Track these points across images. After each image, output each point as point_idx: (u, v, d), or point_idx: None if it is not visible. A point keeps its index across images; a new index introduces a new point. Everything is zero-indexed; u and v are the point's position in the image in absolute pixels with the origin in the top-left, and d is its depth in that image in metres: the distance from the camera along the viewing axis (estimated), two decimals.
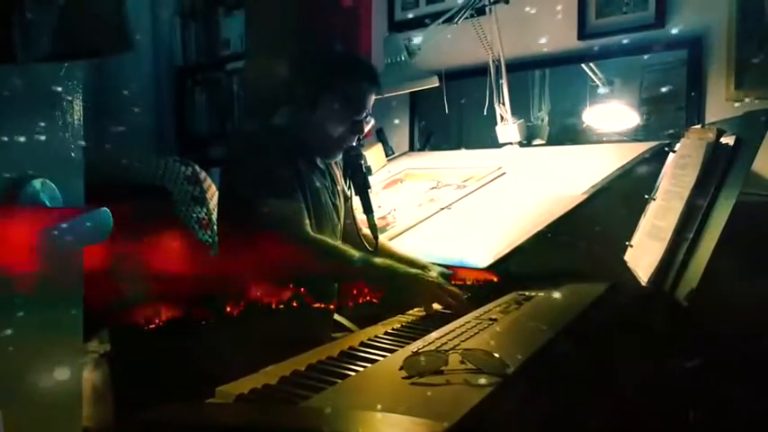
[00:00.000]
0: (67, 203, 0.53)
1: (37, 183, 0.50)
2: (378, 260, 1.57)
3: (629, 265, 1.55)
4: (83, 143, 0.56)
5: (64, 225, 0.48)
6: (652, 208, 1.57)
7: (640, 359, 1.50)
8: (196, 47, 3.74)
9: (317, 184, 1.70)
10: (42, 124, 0.53)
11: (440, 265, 1.74)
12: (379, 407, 0.81)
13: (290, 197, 1.55)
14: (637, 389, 1.50)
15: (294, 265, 1.49)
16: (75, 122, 0.55)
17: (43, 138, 0.53)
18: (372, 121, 1.75)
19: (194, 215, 1.77)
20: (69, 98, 0.54)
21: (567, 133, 2.67)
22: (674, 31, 2.25)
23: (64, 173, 0.54)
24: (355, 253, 1.55)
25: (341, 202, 1.82)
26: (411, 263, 1.72)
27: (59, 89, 0.53)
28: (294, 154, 1.65)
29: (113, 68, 3.57)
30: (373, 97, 1.72)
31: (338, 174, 1.87)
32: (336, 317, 1.81)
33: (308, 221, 1.57)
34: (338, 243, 1.57)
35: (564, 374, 1.17)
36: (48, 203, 0.51)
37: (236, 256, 1.62)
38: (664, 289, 1.29)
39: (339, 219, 1.79)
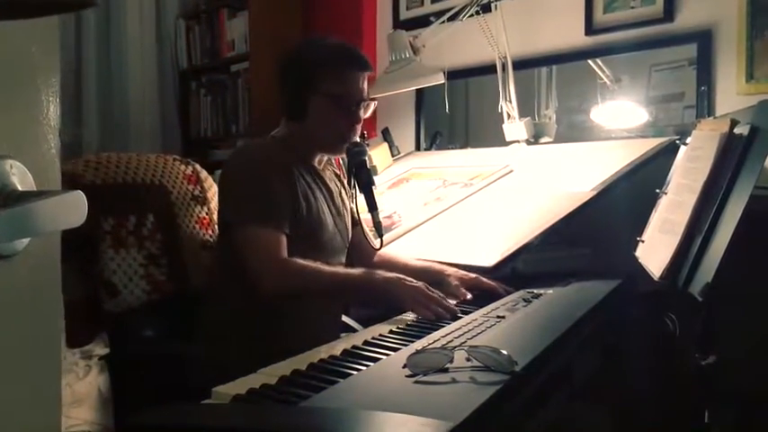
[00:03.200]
0: (41, 188, 0.50)
1: (6, 164, 0.47)
2: (353, 270, 1.54)
3: (640, 260, 1.50)
4: (59, 125, 0.53)
5: (35, 207, 0.45)
6: (663, 202, 1.53)
7: (653, 356, 1.46)
8: (200, 49, 3.72)
9: (316, 195, 1.66)
10: (13, 102, 0.49)
11: (451, 265, 1.70)
12: (381, 406, 0.77)
13: (270, 225, 1.51)
14: (649, 387, 1.46)
15: (271, 290, 1.46)
16: (51, 102, 0.52)
17: (14, 118, 0.50)
18: (373, 105, 1.69)
19: (194, 214, 1.74)
20: (44, 74, 0.51)
21: (574, 131, 2.63)
22: (683, 25, 2.21)
23: (37, 156, 0.51)
24: (329, 268, 1.52)
25: (344, 211, 1.78)
26: (425, 270, 1.69)
27: (33, 64, 0.50)
28: (292, 168, 1.61)
29: (118, 71, 3.57)
30: (364, 80, 1.65)
31: (341, 181, 1.84)
32: (343, 318, 1.78)
33: (285, 249, 1.52)
34: (312, 262, 1.50)
35: (574, 371, 1.13)
36: (18, 187, 0.48)
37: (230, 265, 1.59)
38: (677, 284, 1.25)
39: (342, 232, 1.76)
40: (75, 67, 3.47)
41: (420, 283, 1.46)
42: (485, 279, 1.62)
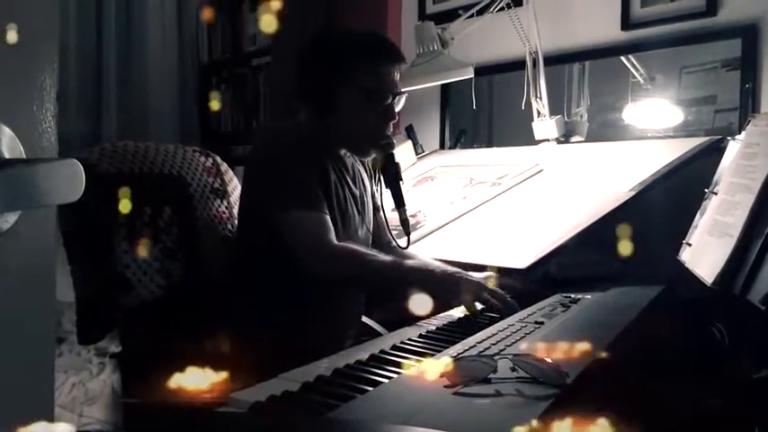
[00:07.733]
0: (34, 156, 0.42)
1: None
2: (410, 262, 1.47)
3: (686, 265, 1.41)
4: (56, 87, 0.46)
5: (20, 175, 0.38)
6: (713, 203, 1.43)
7: (699, 368, 1.36)
8: (221, 43, 3.66)
9: (342, 185, 1.58)
10: (1, 61, 0.42)
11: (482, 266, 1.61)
12: (419, 420, 0.69)
13: (314, 208, 1.45)
14: (694, 400, 1.37)
15: (321, 277, 1.40)
16: (47, 62, 0.44)
17: (2, 78, 0.42)
18: (404, 98, 1.59)
19: (213, 208, 1.66)
20: (40, 28, 0.43)
21: (607, 129, 2.53)
22: (727, 18, 2.10)
23: (29, 122, 0.43)
24: (385, 258, 1.44)
25: (368, 205, 1.70)
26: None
27: (26, 24, 0.43)
28: (321, 155, 1.54)
29: (138, 64, 3.52)
30: (397, 72, 1.56)
31: (365, 173, 1.76)
32: (365, 319, 1.70)
33: (333, 232, 1.46)
34: (366, 249, 1.45)
35: (629, 383, 1.04)
36: (5, 154, 0.40)
37: (255, 260, 1.53)
38: (733, 290, 1.15)
39: (367, 221, 1.68)
40: (95, 62, 3.43)
41: (480, 279, 1.40)
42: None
